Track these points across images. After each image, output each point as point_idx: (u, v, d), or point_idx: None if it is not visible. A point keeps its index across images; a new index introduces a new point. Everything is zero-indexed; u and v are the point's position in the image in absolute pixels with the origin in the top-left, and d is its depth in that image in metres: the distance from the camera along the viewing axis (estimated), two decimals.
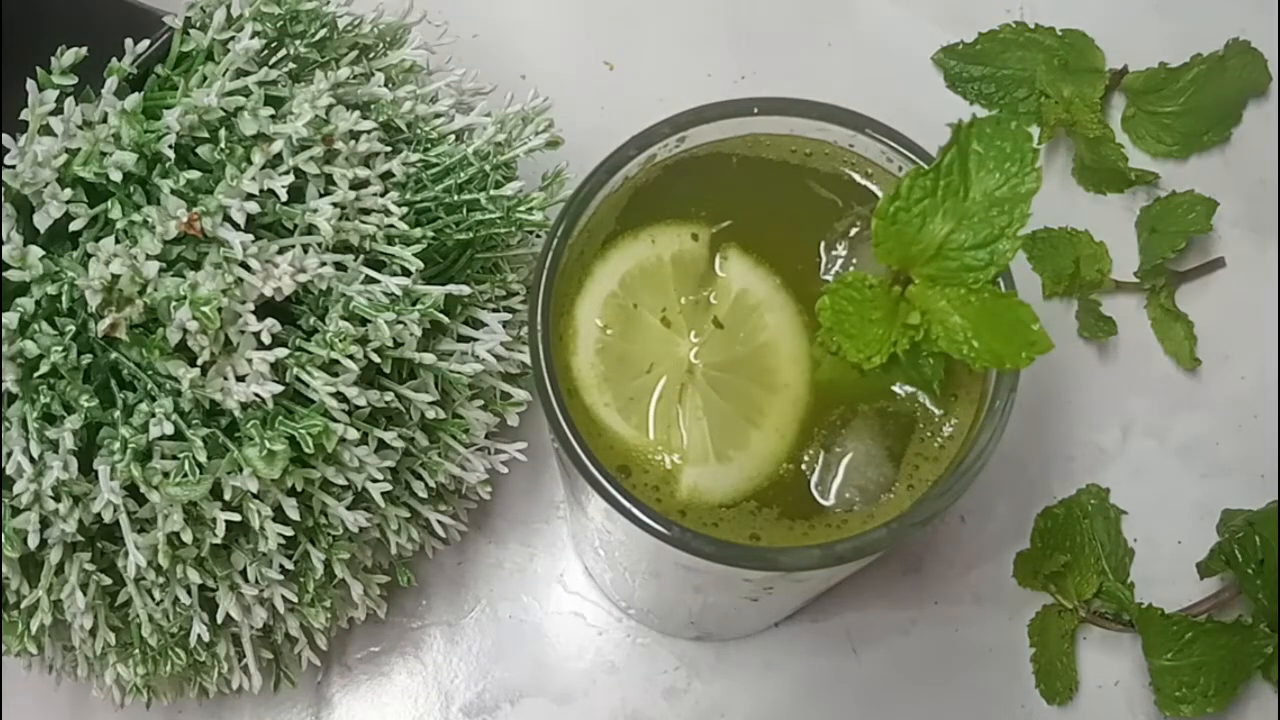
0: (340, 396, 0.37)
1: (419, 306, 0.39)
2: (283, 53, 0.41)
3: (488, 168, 0.42)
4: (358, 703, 0.50)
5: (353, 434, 0.38)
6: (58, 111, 0.36)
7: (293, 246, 0.37)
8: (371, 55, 0.43)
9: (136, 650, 0.41)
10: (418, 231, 0.40)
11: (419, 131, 0.42)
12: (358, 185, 0.39)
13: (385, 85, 0.41)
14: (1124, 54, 0.56)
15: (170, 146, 0.37)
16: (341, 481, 0.39)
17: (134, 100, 0.37)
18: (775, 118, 0.35)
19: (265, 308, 0.36)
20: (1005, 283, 0.32)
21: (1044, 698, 0.49)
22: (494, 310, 0.44)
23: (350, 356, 0.37)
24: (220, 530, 0.37)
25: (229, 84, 0.37)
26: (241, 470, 0.36)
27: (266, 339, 0.36)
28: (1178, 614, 0.49)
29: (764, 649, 0.51)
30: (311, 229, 0.38)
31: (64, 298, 0.36)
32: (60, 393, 0.36)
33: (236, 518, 0.37)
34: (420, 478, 0.42)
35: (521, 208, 0.42)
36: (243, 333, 0.36)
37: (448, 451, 0.42)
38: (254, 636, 0.43)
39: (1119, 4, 0.58)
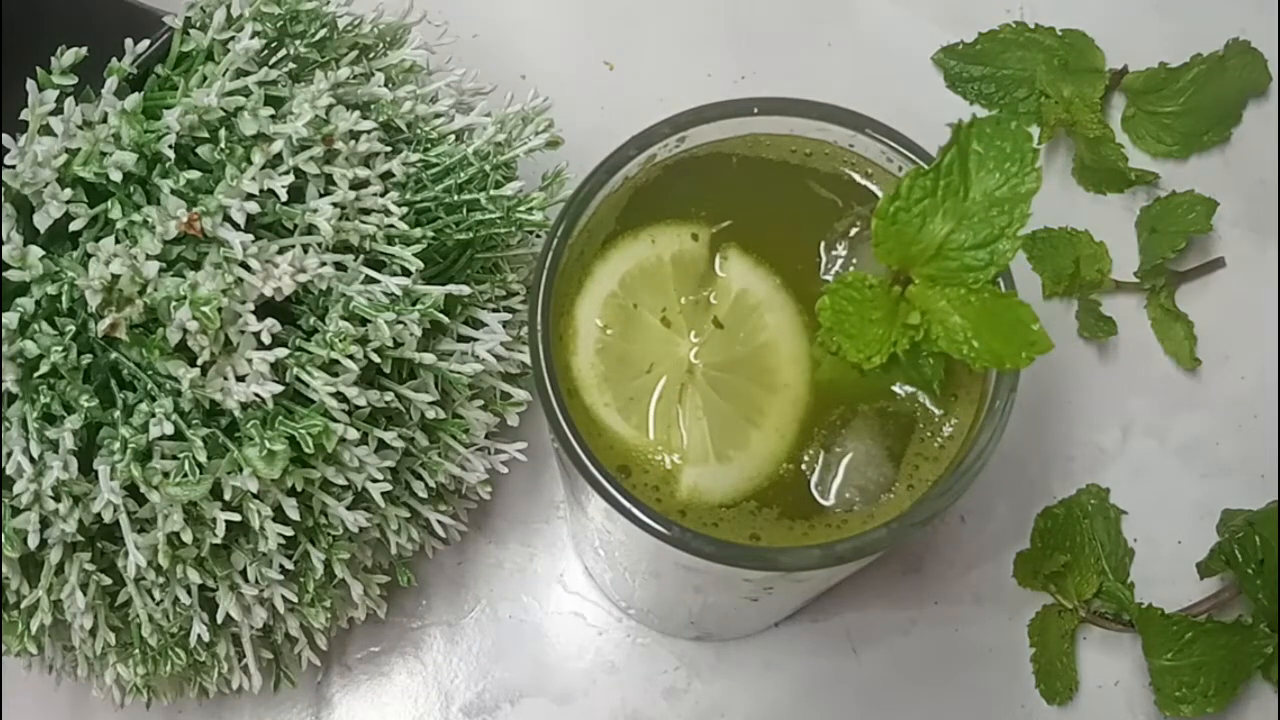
0: (340, 396, 0.37)
1: (419, 306, 0.39)
2: (283, 53, 0.41)
3: (488, 168, 0.42)
4: (358, 703, 0.50)
5: (353, 434, 0.38)
6: (58, 111, 0.36)
7: (293, 246, 0.37)
8: (371, 55, 0.43)
9: (136, 650, 0.41)
10: (418, 231, 0.40)
11: (419, 131, 0.42)
12: (358, 185, 0.39)
13: (385, 85, 0.41)
14: (1124, 54, 0.56)
15: (170, 146, 0.37)
16: (341, 481, 0.39)
17: (134, 100, 0.37)
18: (775, 118, 0.35)
19: (265, 308, 0.36)
20: (1005, 283, 0.32)
21: (1044, 698, 0.49)
22: (494, 310, 0.44)
23: (350, 356, 0.37)
24: (220, 530, 0.37)
25: (229, 84, 0.37)
26: (241, 470, 0.36)
27: (266, 339, 0.36)
28: (1178, 614, 0.49)
29: (764, 649, 0.51)
30: (311, 229, 0.38)
31: (64, 298, 0.36)
32: (60, 393, 0.36)
33: (236, 518, 0.37)
34: (420, 478, 0.42)
35: (521, 208, 0.42)
36: (243, 333, 0.36)
37: (448, 451, 0.42)
38: (254, 636, 0.43)
39: (1119, 4, 0.58)
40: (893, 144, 0.34)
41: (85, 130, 0.37)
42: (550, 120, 0.44)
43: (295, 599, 0.41)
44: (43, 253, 0.36)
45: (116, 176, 0.36)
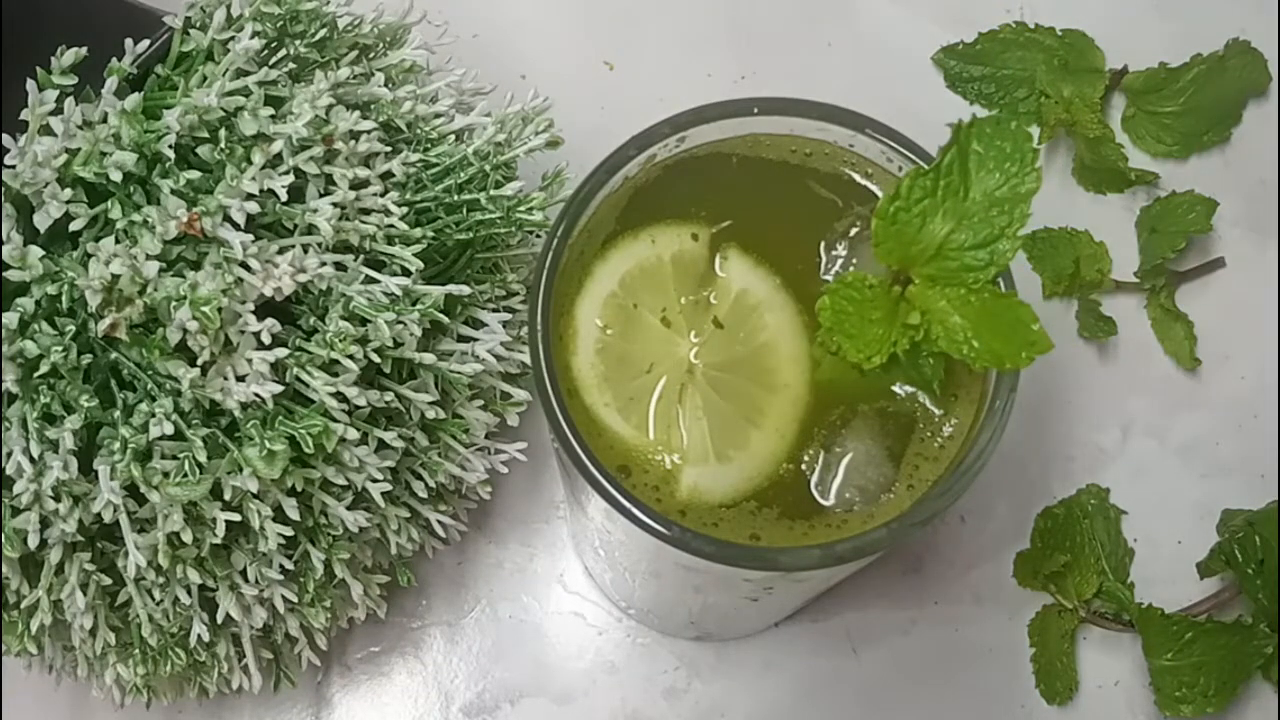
0: (340, 396, 0.37)
1: (419, 306, 0.39)
2: (283, 53, 0.41)
3: (488, 168, 0.42)
4: (358, 703, 0.50)
5: (353, 434, 0.38)
6: (58, 111, 0.36)
7: (293, 246, 0.37)
8: (371, 55, 0.43)
9: (136, 650, 0.41)
10: (418, 231, 0.40)
11: (419, 131, 0.42)
12: (358, 185, 0.39)
13: (385, 85, 0.41)
14: (1124, 54, 0.56)
15: (170, 146, 0.37)
16: (341, 481, 0.39)
17: (134, 100, 0.37)
18: (775, 118, 0.35)
19: (265, 308, 0.36)
20: (1005, 283, 0.32)
21: (1044, 698, 0.49)
22: (494, 310, 0.44)
23: (350, 356, 0.37)
24: (220, 530, 0.37)
25: (229, 84, 0.37)
26: (241, 470, 0.36)
27: (266, 339, 0.36)
28: (1178, 614, 0.49)
29: (764, 649, 0.51)
30: (311, 229, 0.38)
31: (64, 298, 0.36)
32: (60, 393, 0.36)
33: (236, 518, 0.37)
34: (420, 478, 0.42)
35: (521, 208, 0.42)
36: (243, 333, 0.36)
37: (448, 451, 0.42)
38: (254, 636, 0.43)
39: (1119, 4, 0.58)
40: (893, 144, 0.34)
41: (85, 130, 0.37)
42: (550, 120, 0.44)
43: (295, 599, 0.41)
44: (43, 253, 0.36)
45: (116, 176, 0.36)
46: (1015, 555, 0.51)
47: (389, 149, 0.40)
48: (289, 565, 0.40)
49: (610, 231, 0.35)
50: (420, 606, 0.51)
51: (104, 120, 0.37)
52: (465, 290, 0.41)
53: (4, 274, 0.36)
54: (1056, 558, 0.49)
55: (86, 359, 0.37)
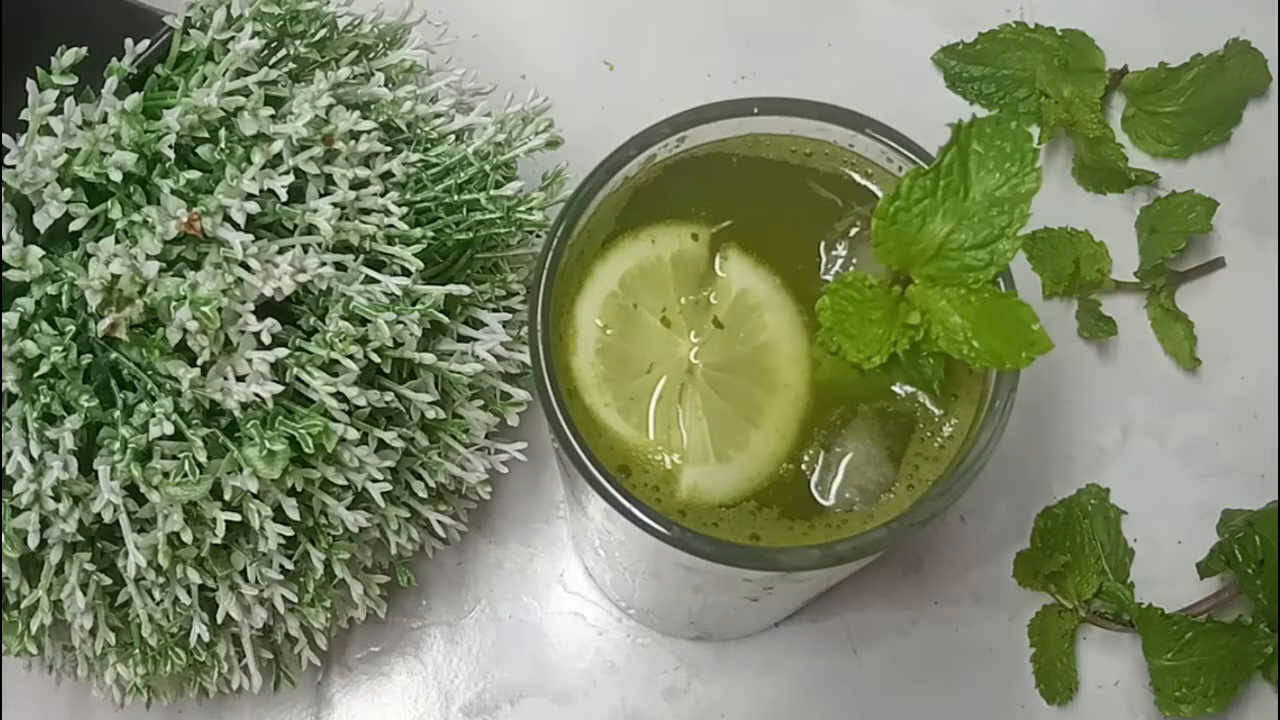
0: (340, 396, 0.37)
1: (419, 306, 0.39)
2: (283, 53, 0.41)
3: (488, 168, 0.42)
4: (358, 703, 0.50)
5: (353, 434, 0.38)
6: (58, 111, 0.36)
7: (293, 246, 0.37)
8: (371, 55, 0.43)
9: (136, 650, 0.41)
10: (418, 231, 0.40)
11: (419, 131, 0.42)
12: (358, 185, 0.39)
13: (385, 85, 0.41)
14: (1124, 54, 0.56)
15: (170, 146, 0.37)
16: (341, 481, 0.39)
17: (134, 100, 0.37)
18: (775, 118, 0.35)
19: (265, 308, 0.36)
20: (1005, 283, 0.32)
21: (1044, 698, 0.49)
22: (494, 310, 0.44)
23: (350, 356, 0.37)
24: (220, 530, 0.37)
25: (229, 84, 0.37)
26: (241, 470, 0.36)
27: (266, 339, 0.36)
28: (1178, 614, 0.49)
29: (764, 649, 0.51)
30: (311, 229, 0.38)
31: (64, 298, 0.36)
32: (60, 393, 0.36)
33: (236, 518, 0.37)
34: (420, 478, 0.42)
35: (521, 208, 0.42)
36: (243, 333, 0.36)
37: (448, 451, 0.42)
38: (254, 636, 0.43)
39: (1119, 4, 0.58)
40: (893, 144, 0.34)
41: (85, 130, 0.37)
42: (550, 120, 0.44)
43: (295, 599, 0.41)
44: (43, 253, 0.36)
45: (116, 176, 0.36)
46: (1015, 555, 0.51)
47: (389, 149, 0.40)
48: (289, 565, 0.40)
49: (610, 231, 0.35)
50: (420, 606, 0.51)
51: (104, 120, 0.37)
52: (465, 290, 0.41)
53: (4, 274, 0.36)
54: (1056, 558, 0.49)
55: (86, 359, 0.37)
